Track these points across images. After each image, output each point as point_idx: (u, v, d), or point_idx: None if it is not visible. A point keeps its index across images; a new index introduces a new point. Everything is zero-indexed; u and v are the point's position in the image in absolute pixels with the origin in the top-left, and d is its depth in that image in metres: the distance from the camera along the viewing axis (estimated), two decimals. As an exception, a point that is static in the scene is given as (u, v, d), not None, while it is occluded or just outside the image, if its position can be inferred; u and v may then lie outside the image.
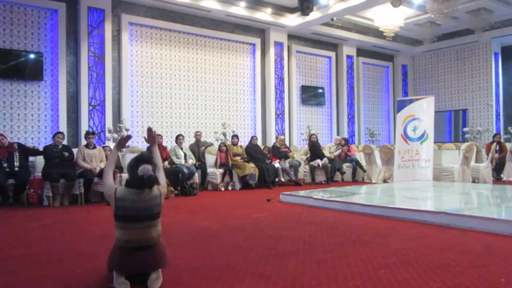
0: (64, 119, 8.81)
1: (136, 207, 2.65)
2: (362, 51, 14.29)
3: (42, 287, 2.70)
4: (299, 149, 10.87)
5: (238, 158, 8.89)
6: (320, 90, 13.33)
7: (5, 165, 6.37)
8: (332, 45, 13.63)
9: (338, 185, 8.79)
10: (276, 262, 3.14)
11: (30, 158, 6.91)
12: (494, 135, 10.71)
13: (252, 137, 9.68)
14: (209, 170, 8.68)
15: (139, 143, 9.68)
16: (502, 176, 10.14)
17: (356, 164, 10.15)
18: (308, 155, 9.70)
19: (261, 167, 8.70)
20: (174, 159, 7.96)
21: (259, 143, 10.78)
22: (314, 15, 10.99)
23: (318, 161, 9.43)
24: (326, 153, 9.96)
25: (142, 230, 2.66)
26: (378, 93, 15.18)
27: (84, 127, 8.73)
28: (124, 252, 2.65)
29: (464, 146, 9.23)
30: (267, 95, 11.99)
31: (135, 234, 2.64)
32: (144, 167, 2.70)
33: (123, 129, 8.74)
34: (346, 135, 13.30)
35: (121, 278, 2.62)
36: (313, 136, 10.04)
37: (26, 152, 6.76)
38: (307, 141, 10.54)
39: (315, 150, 9.69)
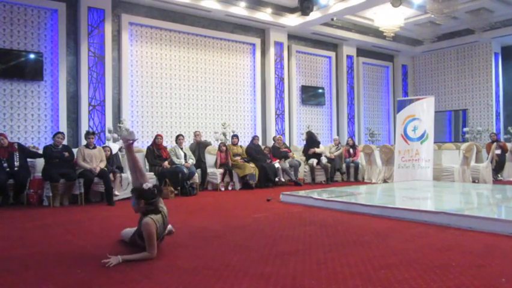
0: (64, 119, 8.81)
1: (163, 226, 3.54)
2: (362, 51, 14.28)
3: (42, 287, 2.70)
4: (299, 149, 10.87)
5: (238, 158, 8.89)
6: (320, 90, 13.33)
7: (5, 165, 6.37)
8: (332, 45, 13.63)
9: (338, 185, 8.79)
10: (276, 262, 3.14)
11: (30, 159, 6.91)
12: (490, 135, 10.75)
13: (254, 137, 9.64)
14: (209, 170, 8.67)
15: (138, 143, 9.68)
16: (498, 175, 10.10)
17: (358, 163, 10.14)
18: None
19: (261, 167, 8.70)
20: (174, 159, 7.96)
21: (259, 143, 10.76)
22: (314, 15, 10.99)
23: (314, 160, 9.45)
24: (327, 153, 9.96)
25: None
26: (378, 93, 15.18)
27: (84, 127, 8.73)
28: None
29: (464, 146, 9.23)
30: (267, 95, 11.98)
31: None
32: (146, 184, 3.58)
33: (123, 129, 8.74)
34: (346, 135, 13.29)
35: None
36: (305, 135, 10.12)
37: (26, 153, 6.76)
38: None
39: (307, 149, 9.77)
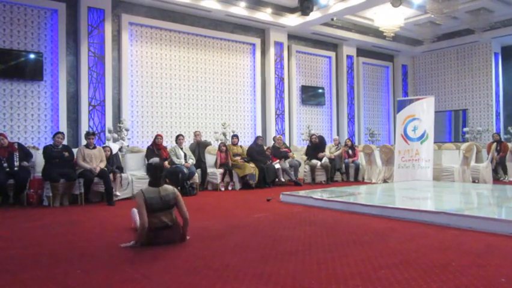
0: (64, 119, 8.81)
1: (159, 202, 3.70)
2: (362, 51, 14.29)
3: (42, 287, 2.70)
4: (299, 149, 10.85)
5: (238, 158, 8.88)
6: (320, 90, 13.33)
7: (5, 165, 6.37)
8: (332, 45, 13.63)
9: (338, 185, 8.78)
10: (276, 262, 3.14)
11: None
12: (493, 135, 10.72)
13: (258, 137, 9.57)
14: (209, 170, 8.67)
15: (138, 143, 9.69)
16: (506, 177, 10.00)
17: (358, 164, 10.12)
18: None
19: (261, 168, 8.69)
20: (174, 159, 7.96)
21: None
22: (314, 15, 10.99)
23: (317, 162, 9.45)
24: (327, 153, 9.95)
25: (163, 215, 3.70)
26: (378, 93, 15.18)
27: (84, 127, 8.74)
28: (150, 231, 3.62)
29: (464, 146, 9.22)
30: (267, 95, 11.99)
31: (159, 217, 3.68)
32: (153, 159, 4.00)
33: (123, 129, 8.74)
34: (346, 135, 13.29)
35: None
36: (314, 137, 9.99)
37: (25, 152, 6.75)
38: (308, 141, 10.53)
39: (312, 150, 9.74)
